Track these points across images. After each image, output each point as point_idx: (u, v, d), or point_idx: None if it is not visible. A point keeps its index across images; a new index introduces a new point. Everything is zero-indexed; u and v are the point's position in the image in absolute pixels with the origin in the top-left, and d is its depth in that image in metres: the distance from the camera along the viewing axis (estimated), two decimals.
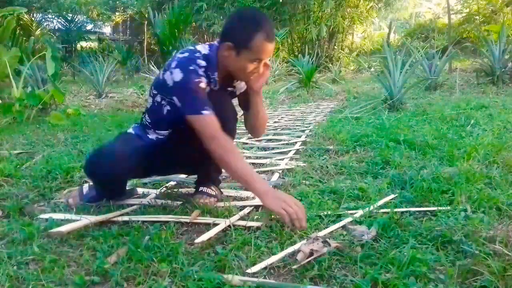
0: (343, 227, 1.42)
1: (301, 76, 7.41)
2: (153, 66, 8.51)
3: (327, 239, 1.26)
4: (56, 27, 15.22)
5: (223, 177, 2.03)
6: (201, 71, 1.48)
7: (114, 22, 18.34)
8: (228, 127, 1.52)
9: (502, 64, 6.00)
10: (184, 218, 1.52)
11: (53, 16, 15.17)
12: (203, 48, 1.54)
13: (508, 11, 11.45)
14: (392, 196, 1.69)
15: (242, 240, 1.32)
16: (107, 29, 19.13)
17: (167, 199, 1.77)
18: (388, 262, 1.15)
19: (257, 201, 1.68)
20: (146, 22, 12.86)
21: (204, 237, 1.35)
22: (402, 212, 1.52)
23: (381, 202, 1.61)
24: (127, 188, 1.77)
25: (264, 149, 2.82)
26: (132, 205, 1.71)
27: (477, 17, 12.22)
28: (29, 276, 1.14)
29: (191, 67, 1.46)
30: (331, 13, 11.50)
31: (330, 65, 10.27)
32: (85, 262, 1.22)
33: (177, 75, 1.44)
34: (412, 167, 2.05)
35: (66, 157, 2.45)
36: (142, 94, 6.50)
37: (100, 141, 3.08)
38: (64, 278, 1.14)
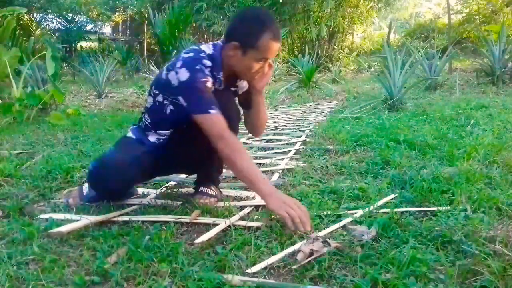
0: (343, 227, 1.42)
1: (301, 76, 7.41)
2: (153, 66, 8.51)
3: (327, 239, 1.26)
4: (56, 27, 15.22)
5: (223, 177, 2.03)
6: (207, 71, 1.48)
7: (114, 22, 18.34)
8: (232, 126, 1.52)
9: (502, 64, 6.00)
10: (184, 218, 1.52)
11: (53, 16, 15.18)
12: (207, 48, 1.54)
13: (508, 11, 11.45)
14: (392, 196, 1.69)
15: (242, 240, 1.32)
16: (107, 29, 19.14)
17: (167, 199, 1.77)
18: (388, 262, 1.15)
19: (257, 201, 1.68)
20: (146, 22, 12.85)
21: (204, 237, 1.35)
22: (402, 212, 1.52)
23: (381, 202, 1.61)
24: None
25: (264, 149, 2.82)
26: (132, 205, 1.71)
27: (477, 17, 12.22)
28: (29, 276, 1.14)
29: (197, 67, 1.46)
30: (331, 13, 11.50)
31: (330, 65, 10.27)
32: (85, 262, 1.22)
33: (183, 74, 1.44)
34: (412, 167, 2.05)
35: (66, 157, 2.45)
36: (142, 94, 6.50)
37: (100, 141, 3.08)
38: (64, 278, 1.14)
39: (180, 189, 1.92)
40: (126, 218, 1.55)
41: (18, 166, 2.31)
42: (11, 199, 1.77)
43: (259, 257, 1.23)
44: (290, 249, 1.25)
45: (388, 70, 4.48)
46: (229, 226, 1.44)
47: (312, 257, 1.18)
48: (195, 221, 1.51)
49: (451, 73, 7.62)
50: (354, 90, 6.84)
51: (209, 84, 1.48)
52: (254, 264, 1.18)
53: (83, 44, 15.58)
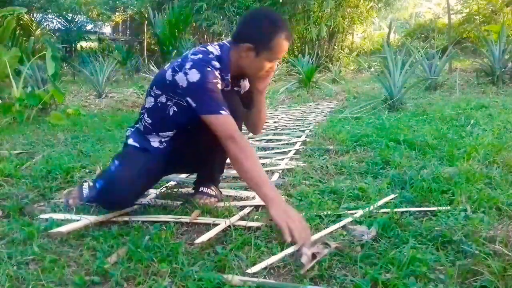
0: (343, 227, 1.42)
1: (301, 76, 7.41)
2: (153, 66, 8.50)
3: (327, 241, 1.26)
4: (56, 27, 15.21)
5: (223, 177, 2.03)
6: (217, 73, 1.49)
7: (114, 22, 18.33)
8: (239, 126, 1.53)
9: (502, 64, 6.00)
10: (184, 218, 1.52)
11: (53, 16, 15.17)
12: (214, 49, 1.54)
13: (508, 11, 11.45)
14: (392, 196, 1.69)
15: (242, 240, 1.32)
16: (107, 29, 19.12)
17: (167, 199, 1.77)
18: (388, 262, 1.15)
19: (257, 201, 1.68)
20: (146, 22, 12.84)
21: (204, 237, 1.35)
22: (402, 212, 1.52)
23: (381, 202, 1.61)
24: None
25: (264, 149, 2.82)
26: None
27: (477, 17, 12.22)
28: (29, 276, 1.14)
29: (208, 68, 1.46)
30: (331, 13, 11.50)
31: (330, 65, 10.27)
32: (85, 262, 1.22)
33: (194, 75, 1.44)
34: (412, 167, 2.05)
35: (66, 157, 2.45)
36: (142, 94, 6.50)
37: (100, 141, 3.08)
38: (64, 278, 1.14)
39: (180, 189, 1.92)
40: (126, 218, 1.55)
41: (18, 166, 2.31)
42: (11, 199, 1.77)
43: (259, 257, 1.23)
44: (290, 249, 1.25)
45: (388, 70, 4.49)
46: (229, 226, 1.44)
47: (315, 260, 1.18)
48: (195, 221, 1.52)
49: (451, 73, 7.62)
50: (354, 90, 6.84)
51: (219, 86, 1.49)
52: (254, 264, 1.18)
53: (83, 44, 15.57)
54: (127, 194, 1.54)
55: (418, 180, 1.81)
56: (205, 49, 1.54)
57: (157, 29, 9.94)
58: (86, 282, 1.11)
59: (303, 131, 3.42)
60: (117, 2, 17.02)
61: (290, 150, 2.67)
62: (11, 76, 4.40)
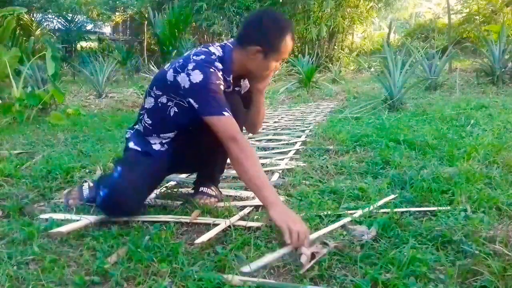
0: (343, 227, 1.42)
1: (301, 76, 7.41)
2: (153, 66, 8.50)
3: (325, 240, 1.26)
4: (56, 27, 15.20)
5: (223, 177, 2.03)
6: (219, 74, 1.49)
7: (114, 22, 18.33)
8: (240, 127, 1.53)
9: (502, 64, 6.00)
10: (184, 218, 1.52)
11: (53, 16, 15.16)
12: (216, 50, 1.54)
13: (508, 11, 11.45)
14: (392, 196, 1.69)
15: (242, 240, 1.32)
16: (107, 29, 19.11)
17: (167, 199, 1.77)
18: (388, 262, 1.15)
19: (257, 201, 1.68)
20: (146, 22, 12.84)
21: (204, 237, 1.35)
22: (402, 212, 1.52)
23: (381, 202, 1.61)
24: None
25: (264, 149, 2.82)
26: None
27: (477, 17, 12.22)
28: (29, 276, 1.14)
29: (211, 69, 1.46)
30: (331, 13, 11.51)
31: (330, 65, 10.27)
32: (85, 262, 1.22)
33: (197, 76, 1.44)
34: (412, 167, 2.05)
35: (66, 157, 2.45)
36: (142, 94, 6.49)
37: (100, 141, 3.08)
38: (64, 278, 1.14)
39: (180, 189, 1.92)
40: (126, 218, 1.55)
41: (18, 166, 2.30)
42: (11, 199, 1.77)
43: (259, 257, 1.23)
44: (284, 250, 1.25)
45: (388, 70, 4.49)
46: (229, 226, 1.44)
47: (315, 260, 1.18)
48: (195, 221, 1.52)
49: (451, 73, 7.62)
50: (354, 90, 6.84)
51: (221, 87, 1.49)
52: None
53: (83, 44, 15.56)
54: (133, 202, 1.52)
55: (418, 180, 1.81)
56: (207, 50, 1.53)
57: (157, 29, 9.94)
58: (86, 282, 1.11)
59: (303, 131, 3.42)
60: (117, 2, 17.02)
61: (290, 150, 2.67)
62: (11, 76, 4.40)
